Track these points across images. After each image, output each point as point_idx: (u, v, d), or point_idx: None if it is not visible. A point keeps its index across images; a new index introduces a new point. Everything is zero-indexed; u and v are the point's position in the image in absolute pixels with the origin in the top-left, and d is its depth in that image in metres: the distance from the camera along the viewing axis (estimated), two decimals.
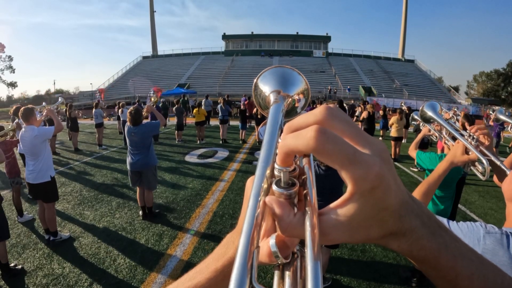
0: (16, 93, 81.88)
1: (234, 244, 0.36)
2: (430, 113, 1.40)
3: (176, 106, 11.11)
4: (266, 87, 0.39)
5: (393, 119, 8.35)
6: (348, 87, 31.47)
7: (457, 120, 3.68)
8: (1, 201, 3.03)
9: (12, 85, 51.15)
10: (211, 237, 3.77)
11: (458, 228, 0.93)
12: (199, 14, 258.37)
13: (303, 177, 0.27)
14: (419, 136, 2.33)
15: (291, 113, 0.39)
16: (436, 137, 1.95)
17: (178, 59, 46.75)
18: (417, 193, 1.23)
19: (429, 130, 2.02)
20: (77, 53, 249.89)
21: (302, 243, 0.23)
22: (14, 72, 51.06)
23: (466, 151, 1.18)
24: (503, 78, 49.34)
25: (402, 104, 12.32)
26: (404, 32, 49.87)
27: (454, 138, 1.44)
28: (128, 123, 4.11)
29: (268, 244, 0.25)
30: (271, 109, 0.34)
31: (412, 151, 2.48)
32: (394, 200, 0.23)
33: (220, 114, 10.29)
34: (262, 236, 0.27)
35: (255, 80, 0.40)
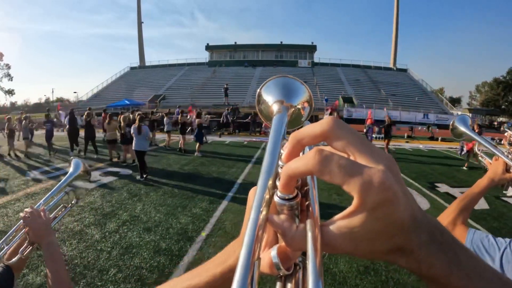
0: (19, 99, 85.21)
1: (235, 253, 0.37)
2: (462, 128, 1.23)
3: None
4: (269, 97, 0.38)
5: None
6: (326, 97, 29.85)
7: None
8: None
9: (10, 92, 52.89)
10: None
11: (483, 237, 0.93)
12: (208, 26, 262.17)
13: (305, 188, 0.27)
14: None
15: (294, 123, 0.38)
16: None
17: (164, 69, 46.52)
18: (455, 206, 1.13)
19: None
20: (85, 62, 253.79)
21: (305, 253, 0.23)
22: (12, 80, 52.91)
23: (507, 169, 1.08)
24: (503, 87, 46.98)
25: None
26: (396, 40, 48.10)
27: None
28: None
29: (269, 255, 0.24)
30: (273, 120, 0.34)
31: None
32: (403, 213, 0.22)
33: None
34: (264, 246, 0.27)
35: (258, 90, 0.40)
